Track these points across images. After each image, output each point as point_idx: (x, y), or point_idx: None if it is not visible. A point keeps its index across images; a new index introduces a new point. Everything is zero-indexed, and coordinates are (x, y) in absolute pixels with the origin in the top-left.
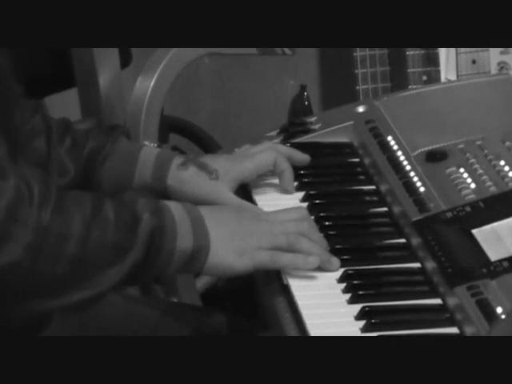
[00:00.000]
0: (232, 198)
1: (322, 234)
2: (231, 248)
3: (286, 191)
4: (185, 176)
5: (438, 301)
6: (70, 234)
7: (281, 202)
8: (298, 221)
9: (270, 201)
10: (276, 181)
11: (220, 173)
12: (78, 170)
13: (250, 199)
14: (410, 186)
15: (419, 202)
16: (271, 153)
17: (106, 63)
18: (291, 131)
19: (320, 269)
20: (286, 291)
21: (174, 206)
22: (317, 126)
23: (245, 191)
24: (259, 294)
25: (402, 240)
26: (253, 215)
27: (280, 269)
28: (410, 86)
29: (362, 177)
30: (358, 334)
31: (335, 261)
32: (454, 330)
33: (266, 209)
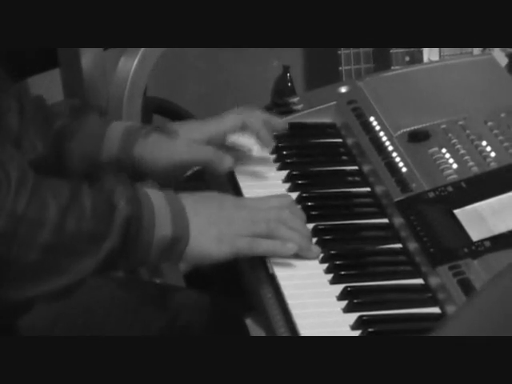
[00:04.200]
0: (188, 152)
1: (305, 223)
2: (210, 236)
3: (265, 148)
4: (147, 142)
5: (420, 281)
6: (44, 222)
7: (265, 189)
8: (279, 208)
9: (255, 188)
10: (260, 168)
11: (181, 133)
12: (47, 147)
13: (236, 184)
14: (392, 167)
15: (401, 182)
16: (240, 114)
17: None
18: (274, 112)
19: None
20: (269, 271)
21: (154, 195)
22: (300, 107)
23: (230, 177)
24: (242, 274)
25: (385, 220)
26: (234, 203)
27: (258, 255)
28: (392, 67)
29: (344, 157)
30: (341, 314)
31: (315, 249)
32: (435, 309)
33: (249, 193)
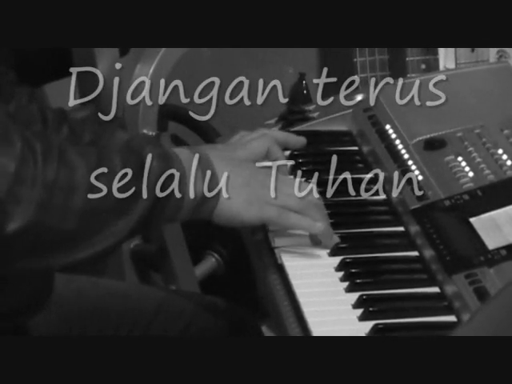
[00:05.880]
0: None
1: None
2: (241, 197)
3: None
4: None
5: (435, 289)
6: (75, 187)
7: None
8: (311, 192)
9: None
10: None
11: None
12: None
13: None
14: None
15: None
16: (264, 140)
17: (104, 51)
18: (290, 119)
19: (318, 257)
20: (285, 279)
21: (182, 154)
22: (315, 114)
23: None
24: (257, 279)
25: (401, 228)
26: (267, 172)
27: (285, 227)
28: (408, 75)
29: (360, 165)
30: (356, 322)
31: (335, 238)
32: (451, 318)
33: None
